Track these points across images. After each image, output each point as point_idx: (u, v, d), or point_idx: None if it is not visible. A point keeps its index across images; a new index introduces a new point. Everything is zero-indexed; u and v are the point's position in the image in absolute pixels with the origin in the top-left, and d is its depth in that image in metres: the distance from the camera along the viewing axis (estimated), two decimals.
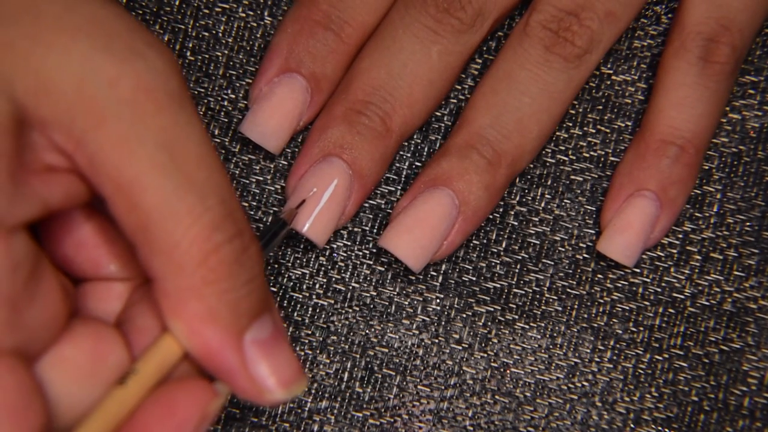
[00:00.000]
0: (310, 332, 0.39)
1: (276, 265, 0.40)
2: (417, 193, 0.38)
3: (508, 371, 0.40)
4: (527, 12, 0.38)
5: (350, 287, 0.40)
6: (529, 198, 0.40)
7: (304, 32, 0.37)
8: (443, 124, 0.40)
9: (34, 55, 0.27)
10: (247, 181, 0.40)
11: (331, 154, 0.37)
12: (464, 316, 0.40)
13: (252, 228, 0.29)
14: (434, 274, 0.40)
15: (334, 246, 0.40)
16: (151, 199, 0.27)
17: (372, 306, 0.40)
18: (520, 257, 0.40)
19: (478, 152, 0.37)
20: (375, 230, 0.40)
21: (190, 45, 0.40)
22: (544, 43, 0.37)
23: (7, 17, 0.27)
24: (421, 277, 0.40)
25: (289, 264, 0.40)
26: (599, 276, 0.40)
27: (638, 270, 0.40)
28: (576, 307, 0.40)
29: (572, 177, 0.40)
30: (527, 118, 0.37)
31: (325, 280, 0.40)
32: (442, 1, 0.37)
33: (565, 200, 0.40)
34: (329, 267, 0.40)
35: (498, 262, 0.40)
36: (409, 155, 0.40)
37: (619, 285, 0.40)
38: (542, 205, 0.40)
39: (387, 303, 0.40)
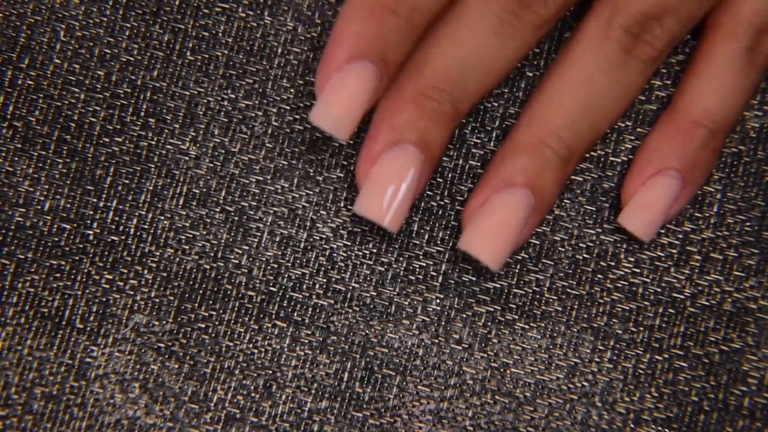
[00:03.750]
0: (310, 332, 0.39)
1: (276, 265, 0.40)
2: (492, 192, 0.38)
3: (508, 371, 0.40)
4: (607, 10, 0.38)
5: (350, 287, 0.40)
6: None
7: (374, 18, 0.36)
8: None
9: None
10: (247, 181, 0.40)
11: (404, 140, 0.37)
12: (464, 316, 0.40)
13: None
14: (434, 274, 0.40)
15: (334, 246, 0.40)
16: None
17: (372, 306, 0.40)
18: (520, 257, 0.40)
19: (553, 150, 0.37)
20: (375, 230, 0.40)
21: (190, 45, 0.40)
22: (625, 47, 0.37)
23: None
24: (421, 277, 0.40)
25: (289, 264, 0.40)
26: (599, 276, 0.40)
27: (638, 270, 0.40)
28: (576, 307, 0.40)
29: (572, 177, 0.40)
30: (602, 119, 0.38)
31: (325, 280, 0.40)
32: None
33: (565, 200, 0.40)
34: (329, 267, 0.40)
35: None
36: None
37: (619, 285, 0.40)
38: None
39: (387, 303, 0.40)
